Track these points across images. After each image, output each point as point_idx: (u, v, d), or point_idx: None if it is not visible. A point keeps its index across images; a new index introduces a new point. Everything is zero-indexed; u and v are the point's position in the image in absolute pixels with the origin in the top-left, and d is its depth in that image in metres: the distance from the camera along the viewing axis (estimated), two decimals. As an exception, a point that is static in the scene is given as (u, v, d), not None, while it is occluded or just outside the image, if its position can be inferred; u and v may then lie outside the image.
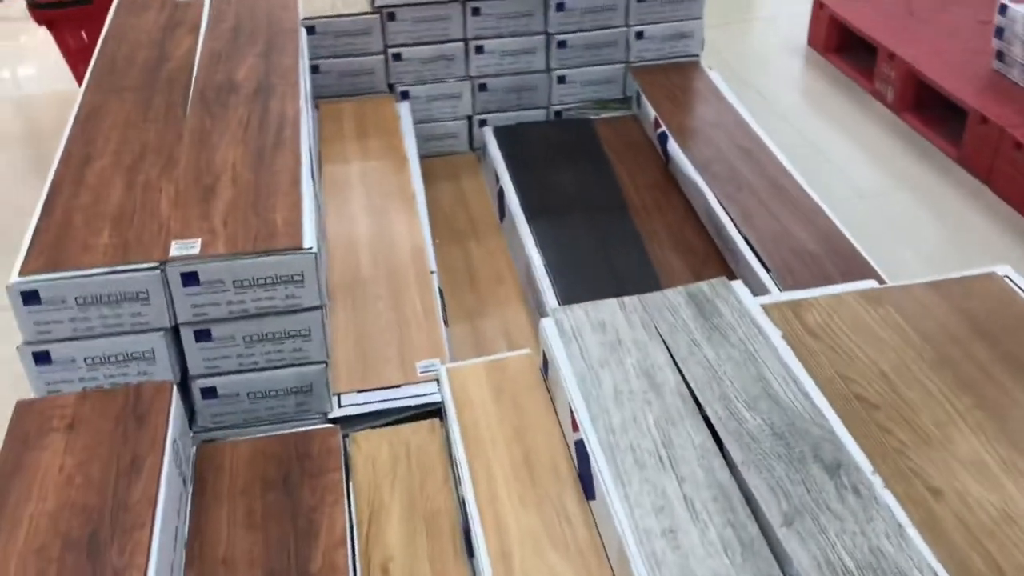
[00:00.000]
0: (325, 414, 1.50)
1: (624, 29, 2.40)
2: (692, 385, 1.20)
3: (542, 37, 2.36)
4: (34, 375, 1.37)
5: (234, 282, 1.35)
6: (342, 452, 1.31)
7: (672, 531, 1.02)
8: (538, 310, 1.89)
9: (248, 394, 1.45)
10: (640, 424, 1.15)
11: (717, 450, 1.12)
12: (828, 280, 1.73)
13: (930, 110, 2.76)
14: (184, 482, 1.24)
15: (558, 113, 2.48)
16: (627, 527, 1.03)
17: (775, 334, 1.28)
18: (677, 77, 2.42)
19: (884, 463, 1.13)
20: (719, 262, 1.94)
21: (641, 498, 1.06)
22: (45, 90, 3.33)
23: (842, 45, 3.19)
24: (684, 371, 1.23)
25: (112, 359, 1.38)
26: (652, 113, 2.29)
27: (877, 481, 1.07)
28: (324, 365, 1.46)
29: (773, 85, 3.12)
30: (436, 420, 1.37)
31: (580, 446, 1.16)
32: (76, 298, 1.32)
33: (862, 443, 1.14)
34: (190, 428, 1.46)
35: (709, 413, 1.16)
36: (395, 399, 1.53)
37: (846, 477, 1.07)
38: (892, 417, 1.20)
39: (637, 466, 1.10)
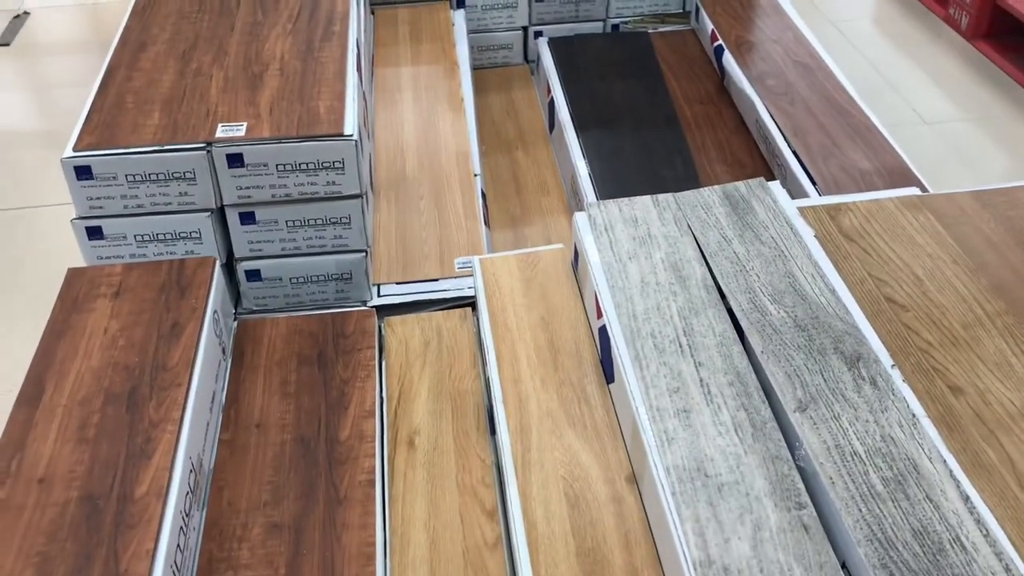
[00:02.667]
0: (364, 302, 1.54)
1: (685, -60, 2.35)
2: (718, 278, 1.21)
3: (601, -53, 2.33)
4: (87, 249, 1.43)
5: (277, 166, 1.39)
6: (376, 333, 1.35)
7: (685, 411, 1.04)
8: (581, 218, 1.90)
9: (291, 279, 1.50)
10: (663, 313, 1.16)
11: (737, 339, 1.13)
12: (876, 195, 1.70)
13: (1006, 38, 2.66)
14: (224, 351, 1.29)
15: (615, 26, 2.45)
16: (641, 405, 1.05)
17: (808, 233, 1.27)
18: (738, -9, 2.36)
19: (906, 360, 1.13)
20: (767, 177, 1.91)
21: (658, 380, 1.08)
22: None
23: (916, -32, 3.07)
24: (712, 265, 1.23)
25: (160, 237, 1.43)
26: (710, 26, 2.25)
27: (896, 374, 1.07)
28: (364, 254, 1.49)
29: (840, 7, 3.03)
30: (468, 309, 1.40)
31: (603, 332, 1.18)
32: (126, 175, 1.37)
33: (886, 340, 1.14)
34: (235, 309, 1.52)
35: (733, 305, 1.17)
36: (432, 291, 1.56)
37: (864, 369, 1.07)
38: (920, 318, 1.19)
39: (656, 351, 1.11)
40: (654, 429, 1.02)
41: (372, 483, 1.13)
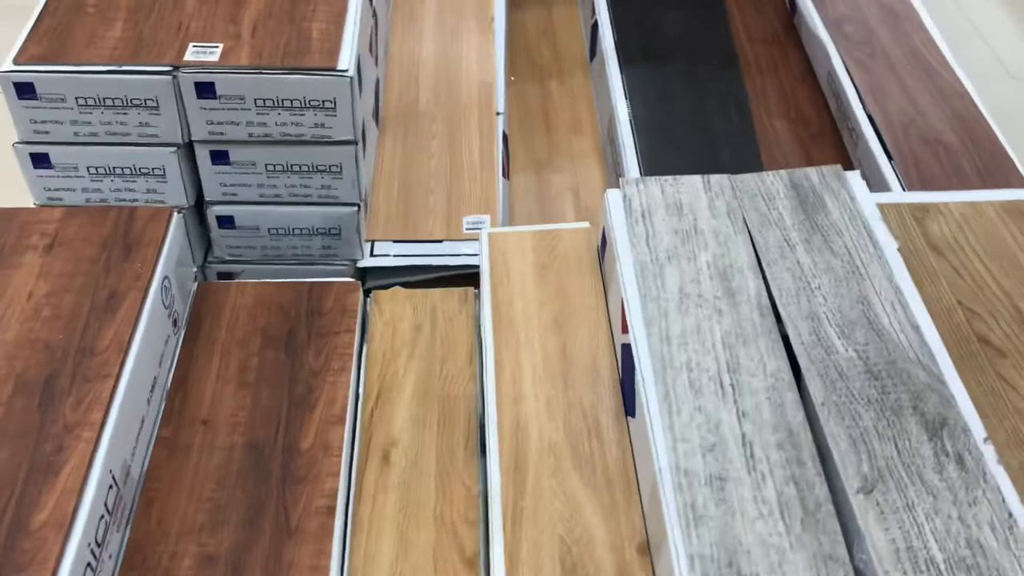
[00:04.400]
0: (354, 261, 1.33)
1: None
2: (776, 296, 0.98)
3: None
4: (33, 179, 1.22)
5: (256, 100, 1.16)
6: (360, 313, 1.14)
7: (720, 479, 0.83)
8: (615, 170, 1.66)
9: (269, 229, 1.29)
10: (704, 337, 0.94)
11: (793, 382, 0.91)
12: (961, 179, 1.45)
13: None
14: (175, 323, 1.09)
15: (675, -58, 2.14)
16: (666, 465, 0.84)
17: (891, 245, 1.04)
18: (821, -87, 2.05)
19: (1001, 426, 0.91)
20: (834, 139, 1.66)
21: (689, 431, 0.86)
22: None
23: None
24: (769, 277, 1.00)
25: (118, 171, 1.21)
26: (784, -47, 1.95)
27: (989, 451, 0.85)
28: (356, 208, 1.27)
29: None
30: (470, 289, 1.18)
31: (627, 352, 0.97)
32: (76, 98, 1.15)
33: (977, 397, 0.92)
34: (205, 259, 1.31)
35: (791, 333, 0.95)
36: (433, 255, 1.35)
37: (950, 441, 0.86)
38: (1020, 368, 0.97)
39: (691, 390, 0.90)
40: (679, 501, 0.81)
41: (332, 511, 0.94)
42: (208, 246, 1.32)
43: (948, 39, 1.83)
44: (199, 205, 1.28)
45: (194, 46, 1.16)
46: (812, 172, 1.12)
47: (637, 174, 1.55)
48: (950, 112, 1.59)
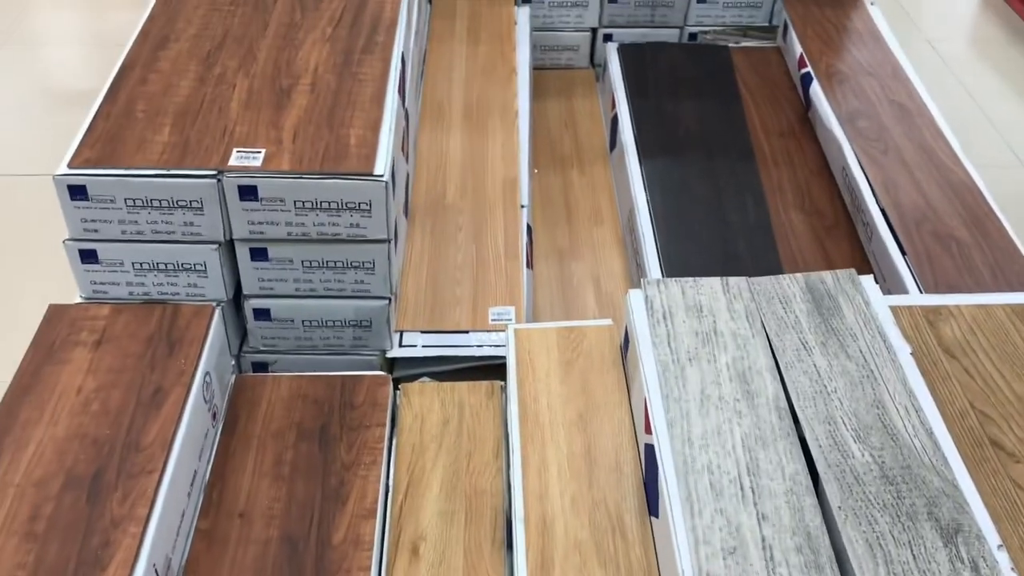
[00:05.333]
0: (383, 351, 1.37)
1: (781, -52, 2.11)
2: (794, 399, 1.02)
3: (686, -52, 2.10)
4: (80, 273, 1.28)
5: (295, 202, 1.22)
6: (390, 406, 1.18)
7: (741, 582, 0.86)
8: (635, 259, 1.71)
9: (303, 321, 1.34)
10: (725, 439, 0.98)
11: (811, 487, 0.94)
12: (973, 274, 1.49)
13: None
14: (215, 416, 1.14)
15: (693, 36, 2.23)
16: (688, 568, 0.87)
17: (904, 349, 1.07)
18: (833, 10, 2.13)
19: (1015, 532, 0.94)
20: (849, 232, 1.71)
21: (711, 534, 0.90)
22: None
23: (1030, -11, 2.80)
24: (787, 380, 1.04)
25: (162, 267, 1.27)
26: (798, 49, 2.02)
27: (1004, 559, 0.88)
28: (387, 301, 1.32)
29: (942, 28, 2.77)
30: (497, 383, 1.23)
31: (650, 452, 1.00)
32: (126, 199, 1.21)
33: (991, 503, 0.95)
34: (240, 348, 1.36)
35: (809, 437, 0.98)
36: (460, 345, 1.39)
37: (964, 547, 0.88)
38: (1032, 473, 1.00)
39: (713, 492, 0.93)
40: (701, 604, 0.84)
41: (364, 605, 0.97)
42: (244, 336, 1.37)
43: (960, 129, 1.88)
44: (236, 298, 1.33)
45: (238, 151, 1.22)
46: (827, 276, 1.17)
47: (656, 264, 1.60)
48: (961, 207, 1.63)
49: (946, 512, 0.91)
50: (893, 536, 0.89)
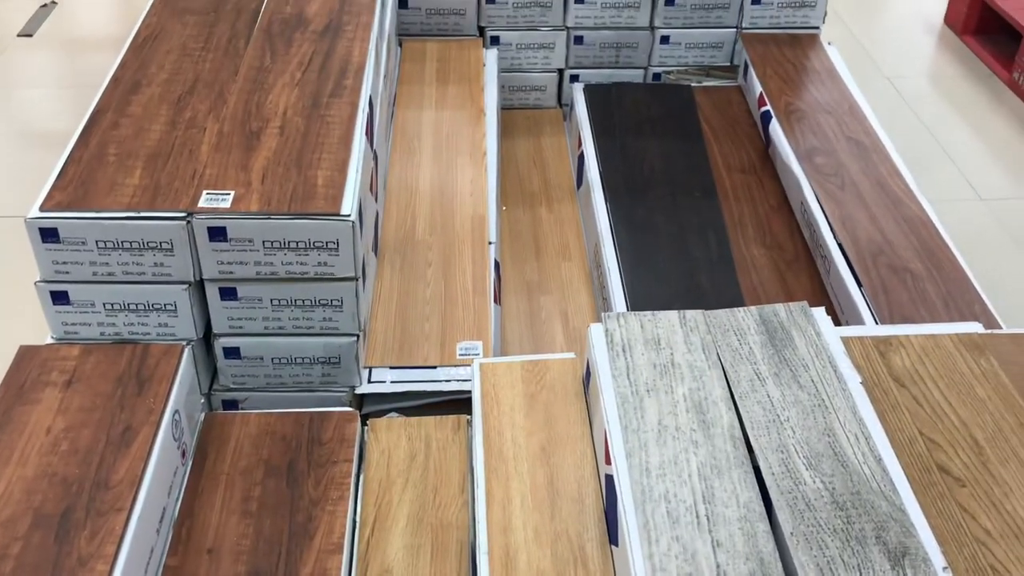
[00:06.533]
0: (352, 388, 1.40)
1: (740, -9, 2.18)
2: (748, 429, 1.05)
3: (649, -9, 2.17)
4: (51, 314, 1.30)
5: (264, 242, 1.25)
6: (357, 442, 1.20)
7: (696, 607, 0.88)
8: (601, 293, 1.75)
9: (273, 359, 1.36)
10: (681, 469, 1.01)
11: (764, 512, 0.97)
12: (927, 305, 1.54)
13: (1075, 113, 2.48)
14: (183, 454, 1.15)
15: (657, 76, 2.29)
16: (645, 595, 0.90)
17: (854, 379, 1.11)
18: (791, 50, 2.20)
19: (960, 554, 0.97)
20: (808, 265, 1.76)
21: (667, 562, 0.92)
22: (137, -6, 3.25)
23: (982, 27, 2.89)
24: (741, 410, 1.07)
25: (132, 307, 1.29)
26: (758, 88, 2.08)
27: (948, 580, 0.91)
28: (355, 338, 1.35)
29: (899, 64, 2.85)
30: (463, 416, 1.25)
31: (610, 482, 1.03)
32: (97, 241, 1.24)
33: (937, 526, 0.98)
34: (211, 386, 1.38)
35: (762, 465, 1.01)
36: (428, 380, 1.42)
37: (911, 570, 0.91)
38: (977, 497, 1.03)
39: (669, 520, 0.96)
40: (657, 630, 0.87)
41: (330, 639, 0.99)
42: (214, 375, 1.39)
43: (920, 163, 1.94)
44: (207, 337, 1.35)
45: (207, 193, 1.25)
46: (780, 308, 1.21)
47: (622, 298, 1.64)
48: (916, 240, 1.69)
49: (894, 536, 0.94)
50: (843, 560, 0.92)
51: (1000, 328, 1.43)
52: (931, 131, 2.54)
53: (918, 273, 1.61)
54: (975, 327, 1.26)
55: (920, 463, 1.07)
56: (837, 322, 1.60)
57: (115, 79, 1.47)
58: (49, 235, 1.23)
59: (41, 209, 1.23)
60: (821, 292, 1.70)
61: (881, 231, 1.70)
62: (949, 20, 3.01)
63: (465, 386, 1.39)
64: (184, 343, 1.22)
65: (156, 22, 1.61)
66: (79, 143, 1.34)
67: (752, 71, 2.13)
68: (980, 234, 2.19)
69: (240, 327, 1.33)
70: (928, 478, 1.05)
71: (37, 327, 1.32)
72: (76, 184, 1.27)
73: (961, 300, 1.56)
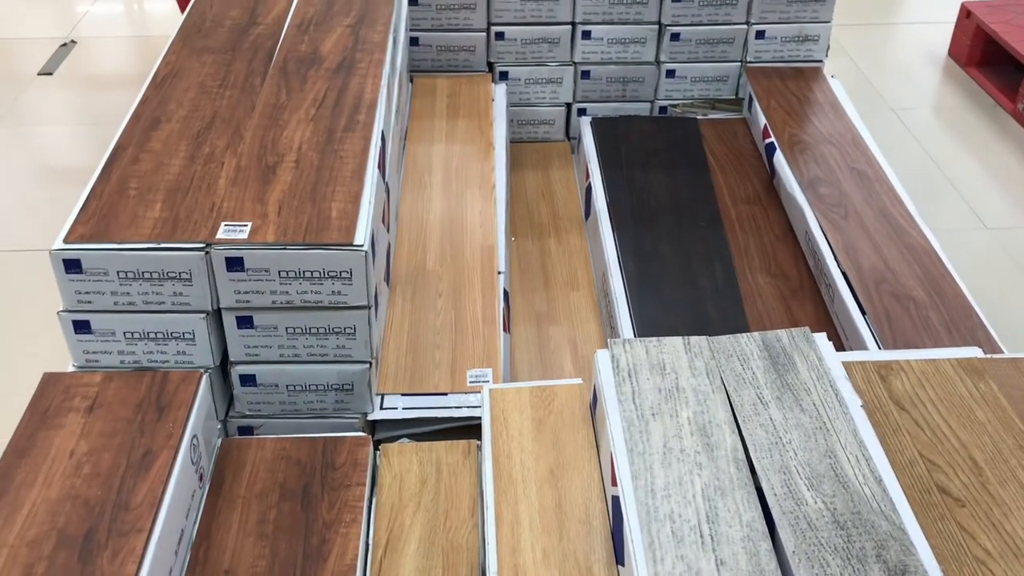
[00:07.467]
0: (365, 414, 1.43)
1: (744, 26, 2.23)
2: (751, 450, 1.08)
3: (654, 27, 2.22)
4: (73, 343, 1.34)
5: (280, 272, 1.29)
6: (370, 466, 1.23)
7: (700, 624, 0.91)
8: (609, 323, 1.78)
9: (287, 386, 1.39)
10: (686, 490, 1.04)
11: (767, 532, 1.00)
12: (930, 332, 1.56)
13: (1077, 142, 2.51)
14: (201, 478, 1.18)
15: (663, 109, 2.33)
16: (650, 612, 0.92)
17: (855, 403, 1.14)
18: (795, 83, 2.24)
19: (960, 574, 0.99)
20: (813, 293, 1.79)
21: (671, 580, 0.95)
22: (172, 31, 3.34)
23: (986, 59, 2.94)
24: (744, 433, 1.10)
25: (152, 336, 1.33)
26: (762, 120, 2.12)
27: (947, 598, 0.93)
28: (368, 365, 1.38)
29: (903, 95, 2.89)
30: (473, 442, 1.28)
31: (616, 504, 1.06)
32: (118, 272, 1.28)
33: (937, 545, 1.00)
34: (227, 413, 1.41)
35: (764, 486, 1.04)
36: (439, 407, 1.45)
37: (911, 588, 0.93)
38: (977, 517, 1.05)
39: (674, 539, 0.98)
40: (662, 646, 0.89)
41: (344, 658, 1.01)
42: (230, 401, 1.42)
43: (925, 193, 1.96)
44: (223, 364, 1.39)
45: (225, 224, 1.29)
46: (783, 334, 1.23)
47: (629, 327, 1.67)
48: (918, 269, 1.71)
49: (893, 554, 0.96)
50: (844, 578, 0.94)
51: (1003, 354, 1.45)
52: (937, 161, 2.58)
53: (921, 300, 1.64)
54: (975, 352, 1.29)
55: (920, 484, 1.09)
56: (842, 349, 1.63)
57: (136, 115, 1.52)
58: (72, 266, 1.27)
59: (65, 241, 1.27)
60: (826, 320, 1.72)
61: (884, 259, 1.73)
62: (953, 52, 3.05)
63: (475, 412, 1.42)
64: (202, 371, 1.26)
65: (175, 60, 1.66)
66: (101, 177, 1.39)
67: (756, 103, 2.17)
68: (986, 262, 2.22)
69: (256, 355, 1.36)
70: (928, 499, 1.07)
71: (59, 355, 1.36)
72: (98, 217, 1.31)
73: (964, 327, 1.58)
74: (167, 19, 3.19)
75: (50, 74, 3.02)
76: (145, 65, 3.02)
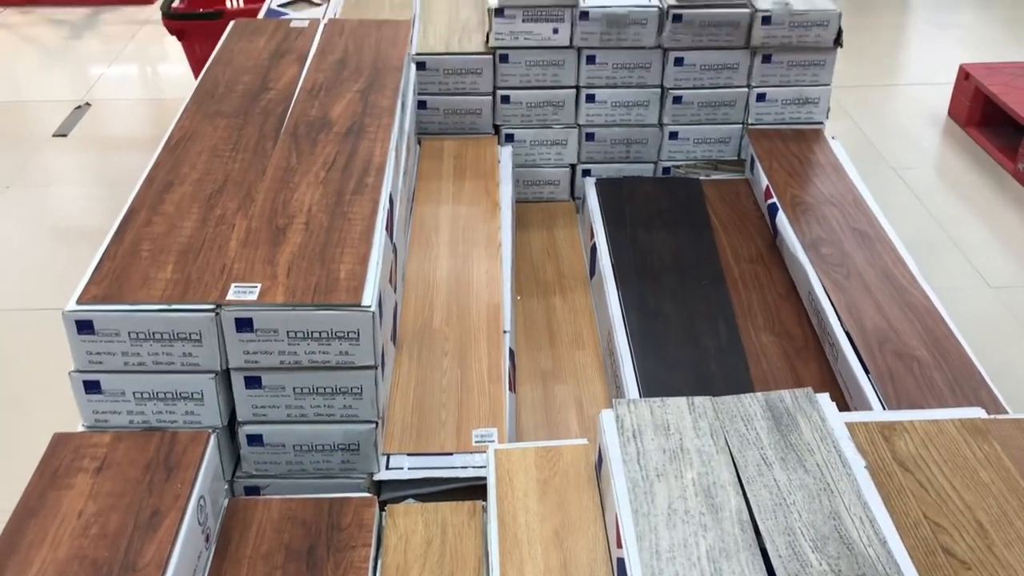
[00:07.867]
0: (371, 474, 1.43)
1: (745, 89, 2.27)
2: (755, 512, 1.08)
3: (657, 90, 2.26)
4: (83, 403, 1.35)
5: (288, 332, 1.30)
6: (375, 527, 1.24)
7: None
8: (615, 381, 1.79)
9: (294, 446, 1.40)
10: (691, 552, 1.04)
11: (772, 595, 1.00)
12: (933, 392, 1.57)
13: (1078, 201, 2.54)
14: (207, 538, 1.19)
15: (666, 170, 2.37)
16: (655, 676, 0.92)
17: (858, 464, 1.14)
18: (796, 145, 2.28)
19: (966, 637, 0.99)
20: (817, 352, 1.80)
21: (676, 643, 0.95)
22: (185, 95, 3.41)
23: (985, 119, 2.98)
24: (749, 494, 1.11)
25: (161, 396, 1.34)
26: (765, 181, 2.15)
27: (953, 662, 0.93)
28: (374, 425, 1.39)
29: (904, 156, 2.93)
30: (479, 503, 1.28)
31: (621, 566, 1.06)
32: (129, 332, 1.30)
33: (943, 609, 1.00)
34: (234, 473, 1.42)
35: (769, 548, 1.04)
36: (445, 467, 1.45)
37: (917, 651, 0.93)
38: (983, 580, 1.05)
39: (678, 602, 0.99)
40: None
41: None
42: (237, 462, 1.43)
43: (927, 252, 1.98)
44: (231, 424, 1.40)
45: (235, 286, 1.32)
46: (786, 395, 1.24)
47: (634, 385, 1.68)
48: (921, 328, 1.72)
49: (899, 618, 0.96)
50: (849, 642, 0.94)
51: (1007, 414, 1.46)
52: (938, 220, 2.60)
53: (924, 360, 1.65)
54: (978, 412, 1.29)
55: (925, 546, 1.09)
56: (846, 408, 1.63)
57: (149, 178, 1.55)
58: (85, 327, 1.29)
59: (78, 302, 1.29)
60: (830, 379, 1.73)
61: (887, 319, 1.74)
62: (952, 113, 3.10)
63: (481, 472, 1.42)
64: (210, 430, 1.27)
65: (189, 124, 1.70)
66: (114, 239, 1.41)
67: (758, 165, 2.21)
68: (990, 321, 2.23)
69: (264, 415, 1.37)
70: (933, 560, 1.07)
71: (68, 414, 1.38)
72: (111, 278, 1.33)
73: (967, 387, 1.59)
74: (181, 82, 3.26)
75: (65, 136, 3.08)
76: (159, 128, 3.08)
